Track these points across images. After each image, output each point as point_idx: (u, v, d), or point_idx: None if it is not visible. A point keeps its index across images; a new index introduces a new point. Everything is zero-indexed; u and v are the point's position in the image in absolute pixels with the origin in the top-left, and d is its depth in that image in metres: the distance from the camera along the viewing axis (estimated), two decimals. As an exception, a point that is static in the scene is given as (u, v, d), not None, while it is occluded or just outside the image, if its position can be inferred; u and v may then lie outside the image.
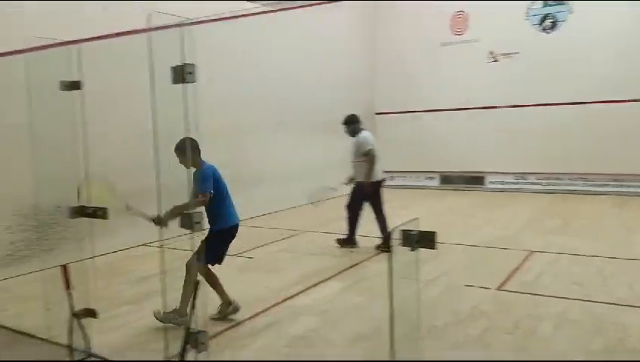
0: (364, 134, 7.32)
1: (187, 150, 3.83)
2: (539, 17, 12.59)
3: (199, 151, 4.31)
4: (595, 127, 11.89)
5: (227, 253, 4.72)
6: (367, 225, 7.31)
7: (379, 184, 7.26)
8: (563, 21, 12.31)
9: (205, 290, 3.23)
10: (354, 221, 7.38)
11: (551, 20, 12.45)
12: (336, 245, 7.43)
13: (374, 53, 14.70)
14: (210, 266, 4.61)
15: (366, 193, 7.16)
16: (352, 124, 7.37)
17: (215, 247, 4.58)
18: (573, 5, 12.15)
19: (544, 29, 12.54)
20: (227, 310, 4.70)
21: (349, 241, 7.39)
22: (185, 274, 4.39)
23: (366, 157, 7.07)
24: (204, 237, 4.18)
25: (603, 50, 11.73)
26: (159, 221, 4.20)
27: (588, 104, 11.98)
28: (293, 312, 4.87)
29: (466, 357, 3.88)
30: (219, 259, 4.69)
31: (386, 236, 7.08)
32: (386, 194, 7.35)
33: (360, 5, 13.86)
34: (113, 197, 4.13)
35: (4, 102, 5.98)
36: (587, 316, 4.62)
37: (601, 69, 11.69)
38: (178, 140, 3.94)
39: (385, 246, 7.05)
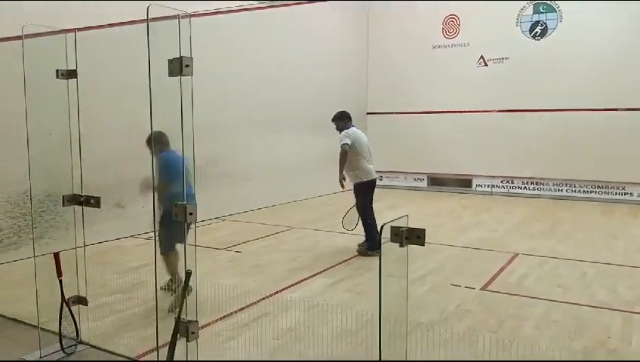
0: (348, 130, 7.03)
1: None
2: (529, 24, 12.74)
3: None
4: (582, 135, 12.06)
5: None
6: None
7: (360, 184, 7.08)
8: (553, 29, 12.47)
9: (196, 279, 3.26)
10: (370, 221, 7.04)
11: (541, 27, 12.60)
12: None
13: (367, 53, 14.76)
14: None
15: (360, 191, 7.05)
16: (340, 121, 7.16)
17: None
18: (563, 14, 12.32)
19: (534, 36, 12.69)
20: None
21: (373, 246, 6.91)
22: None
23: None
24: None
25: (592, 58, 11.89)
26: None
27: (575, 111, 12.14)
28: (281, 306, 4.92)
29: (452, 356, 3.95)
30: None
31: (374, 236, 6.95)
32: (375, 194, 7.36)
33: (353, 5, 13.93)
34: None
35: (1, 89, 5.97)
36: (569, 317, 4.72)
37: (590, 77, 11.87)
38: (169, 132, 3.96)
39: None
